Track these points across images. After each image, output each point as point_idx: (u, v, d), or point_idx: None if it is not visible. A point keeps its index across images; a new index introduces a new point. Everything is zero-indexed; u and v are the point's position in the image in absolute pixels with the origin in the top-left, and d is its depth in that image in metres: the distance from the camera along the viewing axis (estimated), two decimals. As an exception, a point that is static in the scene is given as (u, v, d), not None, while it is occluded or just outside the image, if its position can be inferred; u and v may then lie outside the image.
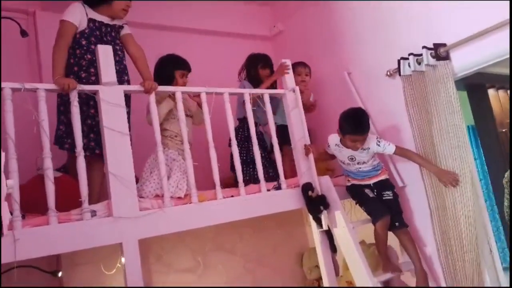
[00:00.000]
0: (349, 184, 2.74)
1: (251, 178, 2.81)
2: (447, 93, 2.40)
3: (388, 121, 2.89)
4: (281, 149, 2.70)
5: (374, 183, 2.66)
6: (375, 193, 2.65)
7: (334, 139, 2.68)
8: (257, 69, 3.13)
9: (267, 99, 2.68)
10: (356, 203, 2.71)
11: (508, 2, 2.14)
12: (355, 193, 2.70)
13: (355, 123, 2.50)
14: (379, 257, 2.65)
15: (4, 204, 1.09)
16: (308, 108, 3.05)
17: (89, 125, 2.27)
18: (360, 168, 2.65)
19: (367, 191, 2.64)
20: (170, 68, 2.64)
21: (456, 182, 2.40)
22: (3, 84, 1.87)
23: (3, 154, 1.14)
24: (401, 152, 2.60)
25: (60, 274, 2.63)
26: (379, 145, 2.56)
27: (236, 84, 3.12)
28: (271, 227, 3.49)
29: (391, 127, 2.87)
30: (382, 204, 2.59)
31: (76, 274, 2.69)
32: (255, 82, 3.07)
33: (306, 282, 3.45)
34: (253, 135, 2.57)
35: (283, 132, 2.85)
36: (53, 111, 2.26)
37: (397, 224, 2.57)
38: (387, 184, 2.67)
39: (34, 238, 1.77)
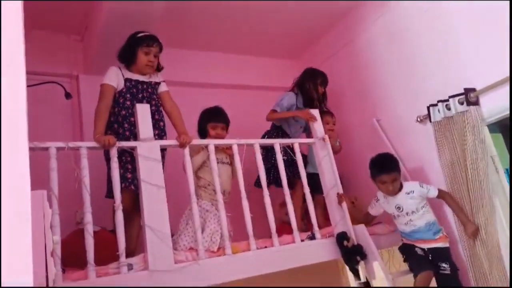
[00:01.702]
0: (401, 243, 2.62)
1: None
2: (478, 138, 2.36)
3: (420, 167, 2.84)
4: (313, 198, 2.69)
5: (429, 249, 2.48)
6: (429, 258, 2.48)
7: (381, 192, 2.65)
8: (316, 84, 3.21)
9: (297, 148, 2.72)
10: (404, 261, 2.59)
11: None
12: (404, 251, 2.58)
13: (379, 163, 2.57)
14: None
15: (50, 260, 1.13)
16: (334, 151, 3.01)
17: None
18: (411, 221, 2.51)
19: (418, 249, 2.50)
20: (204, 122, 2.78)
21: (475, 236, 2.37)
22: (49, 144, 2.00)
23: (49, 211, 1.20)
24: (442, 194, 2.54)
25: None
26: (422, 187, 2.53)
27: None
28: (307, 278, 3.39)
29: (423, 173, 2.82)
30: (428, 262, 2.44)
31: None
32: (307, 97, 3.18)
33: None
34: (285, 186, 2.59)
35: (314, 180, 2.85)
36: (94, 168, 2.36)
37: None
38: (444, 254, 2.46)
39: (73, 293, 1.80)
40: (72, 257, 2.03)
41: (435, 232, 2.50)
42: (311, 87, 3.22)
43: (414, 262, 2.48)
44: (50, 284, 1.17)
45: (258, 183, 2.83)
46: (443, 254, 2.46)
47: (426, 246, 2.50)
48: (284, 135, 3.19)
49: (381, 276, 2.40)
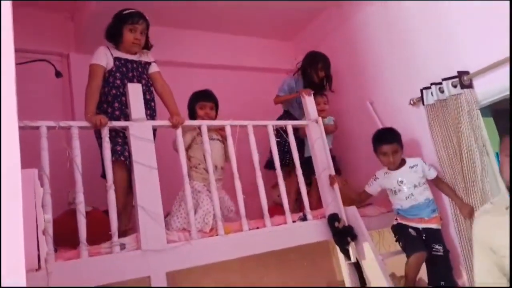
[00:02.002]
0: (395, 223, 2.64)
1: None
2: (471, 121, 2.38)
3: (413, 150, 2.86)
4: (311, 181, 2.71)
5: (423, 229, 2.52)
6: (422, 239, 2.51)
7: (382, 170, 2.70)
8: (316, 68, 3.23)
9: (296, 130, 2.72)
10: (396, 240, 2.62)
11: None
12: (400, 229, 2.59)
13: (381, 134, 2.64)
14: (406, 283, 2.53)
15: (42, 238, 1.13)
16: (328, 131, 3.00)
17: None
18: (412, 195, 2.53)
19: (411, 230, 2.52)
20: (192, 103, 2.78)
21: (471, 216, 2.38)
22: (39, 123, 1.98)
23: (41, 190, 1.20)
24: (438, 180, 2.58)
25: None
26: (425, 163, 2.58)
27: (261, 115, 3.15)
28: (298, 259, 3.44)
29: (416, 156, 2.84)
30: (421, 243, 2.47)
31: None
32: (308, 81, 3.21)
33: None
34: (278, 168, 2.60)
35: (312, 163, 2.84)
36: (85, 148, 2.33)
37: (442, 283, 2.42)
38: (437, 236, 2.51)
39: (66, 272, 1.81)
40: (64, 236, 2.04)
41: (432, 210, 2.54)
42: (312, 71, 3.25)
43: (408, 242, 2.50)
44: (42, 263, 1.17)
45: (270, 165, 2.90)
46: (436, 236, 2.51)
47: (420, 225, 2.53)
48: (293, 118, 3.20)
49: (371, 257, 2.44)
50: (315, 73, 3.24)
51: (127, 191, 2.28)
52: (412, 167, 2.57)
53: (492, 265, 1.37)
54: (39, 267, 1.14)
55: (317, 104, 3.07)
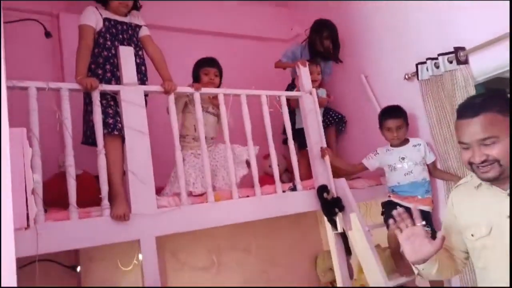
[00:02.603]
0: (387, 199, 2.65)
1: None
2: (464, 97, 2.37)
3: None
4: (301, 152, 2.71)
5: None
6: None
7: (384, 146, 2.72)
8: (321, 37, 3.18)
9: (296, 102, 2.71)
10: (381, 214, 2.65)
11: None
12: (387, 206, 2.61)
13: (387, 109, 2.66)
14: (393, 259, 2.61)
15: (31, 198, 1.13)
16: (321, 103, 2.98)
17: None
18: (412, 172, 2.55)
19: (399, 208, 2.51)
20: (196, 69, 2.76)
21: None
22: (28, 83, 1.94)
23: (29, 150, 1.19)
24: (434, 166, 2.60)
25: (78, 269, 2.69)
26: (427, 145, 2.59)
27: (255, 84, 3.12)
28: (286, 228, 3.51)
29: (409, 132, 2.85)
30: None
31: (93, 269, 2.76)
32: (313, 50, 3.17)
33: (320, 285, 3.45)
34: (270, 138, 2.60)
35: (303, 135, 2.83)
36: (76, 111, 2.31)
37: None
38: (427, 218, 2.47)
39: (55, 233, 1.82)
40: (54, 199, 2.04)
41: (427, 191, 2.56)
42: (317, 39, 3.20)
43: (388, 213, 2.54)
44: (31, 222, 1.18)
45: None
46: (426, 217, 2.48)
47: (412, 205, 2.49)
48: None
49: (357, 227, 2.49)
50: (320, 41, 3.19)
51: (123, 168, 2.16)
52: (415, 146, 2.60)
53: (451, 225, 1.40)
54: (28, 226, 1.15)
55: (310, 73, 3.03)
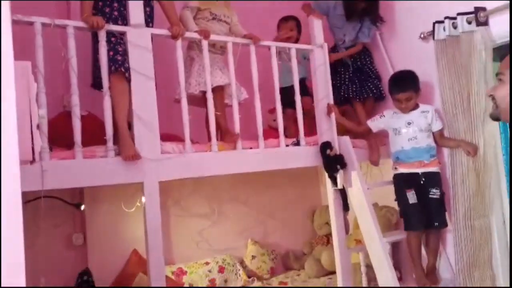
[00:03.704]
0: (397, 172, 2.61)
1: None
2: (482, 61, 2.31)
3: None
4: (283, 112, 2.65)
5: (423, 173, 2.52)
6: (422, 187, 2.50)
7: (391, 109, 2.69)
8: None
9: (293, 53, 2.65)
10: (395, 199, 2.63)
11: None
12: (399, 187, 2.58)
13: (396, 80, 2.60)
14: (414, 268, 2.55)
15: (36, 132, 1.14)
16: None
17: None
18: (416, 138, 2.53)
19: (410, 195, 2.48)
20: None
21: (475, 152, 2.38)
22: (34, 18, 1.89)
23: (35, 84, 1.17)
24: (439, 134, 2.57)
25: (82, 207, 2.77)
26: (435, 113, 2.55)
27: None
28: (287, 182, 3.56)
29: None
30: (421, 212, 2.47)
31: (97, 209, 2.84)
32: (346, 7, 2.94)
33: (315, 238, 3.55)
34: (277, 92, 2.57)
35: (287, 94, 2.69)
36: (84, 52, 2.26)
37: (436, 224, 2.48)
38: (436, 179, 2.53)
39: (60, 170, 1.85)
40: (59, 138, 2.06)
41: (431, 155, 2.55)
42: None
43: (408, 214, 2.51)
44: (36, 157, 1.19)
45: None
46: (434, 179, 2.53)
47: (420, 170, 2.53)
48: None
49: (357, 185, 2.52)
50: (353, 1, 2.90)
51: (128, 107, 2.10)
52: (423, 112, 2.56)
53: None
54: (34, 159, 1.16)
55: (282, 30, 2.96)
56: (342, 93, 2.97)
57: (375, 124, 2.74)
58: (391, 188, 2.64)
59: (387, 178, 2.74)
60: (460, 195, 2.45)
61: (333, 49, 3.07)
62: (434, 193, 2.50)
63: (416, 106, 2.59)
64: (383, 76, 2.99)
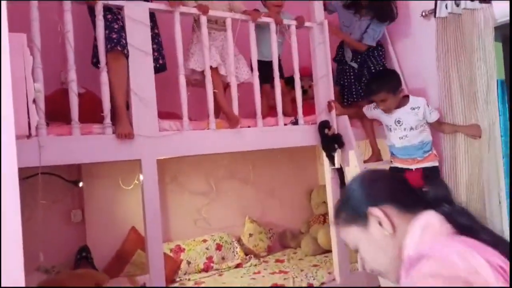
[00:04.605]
0: (392, 165, 2.59)
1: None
2: (483, 39, 2.28)
3: (417, 64, 2.79)
4: (260, 88, 2.53)
5: (417, 169, 2.46)
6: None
7: None
8: None
9: (293, 30, 2.62)
10: None
11: None
12: None
13: (366, 83, 2.55)
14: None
15: (32, 107, 1.12)
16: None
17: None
18: (406, 137, 2.46)
19: None
20: None
21: (480, 134, 2.37)
22: (30, -8, 1.85)
23: (30, 58, 1.15)
24: (437, 123, 2.51)
25: (80, 184, 2.78)
26: (428, 106, 2.46)
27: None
28: (284, 161, 3.57)
29: (419, 71, 2.78)
30: None
31: (95, 186, 2.85)
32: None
33: (312, 216, 3.58)
34: (276, 68, 2.54)
35: (266, 69, 2.58)
36: (83, 28, 2.22)
37: None
38: (433, 174, 2.43)
39: (57, 146, 1.85)
40: (56, 114, 2.04)
41: (425, 151, 2.48)
42: None
43: None
44: (33, 131, 1.19)
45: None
46: (432, 174, 2.44)
47: (413, 166, 2.48)
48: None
49: (354, 164, 2.53)
50: None
51: (126, 86, 2.07)
52: (413, 109, 2.46)
53: None
54: (30, 134, 1.15)
55: None
56: (346, 97, 2.90)
57: (370, 113, 2.69)
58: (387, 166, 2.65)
59: (387, 157, 2.75)
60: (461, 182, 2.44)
61: (340, 47, 2.98)
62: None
63: (404, 102, 2.49)
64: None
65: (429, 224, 0.79)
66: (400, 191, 0.88)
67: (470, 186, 2.42)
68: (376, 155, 2.78)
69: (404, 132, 2.48)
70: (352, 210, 0.89)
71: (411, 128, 2.47)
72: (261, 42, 2.63)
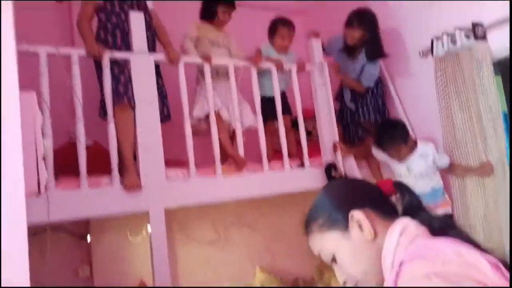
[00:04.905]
0: None
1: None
2: (483, 75, 2.31)
3: (418, 103, 2.81)
4: (264, 125, 2.58)
5: None
6: None
7: None
8: (346, 28, 2.77)
9: (294, 77, 2.67)
10: None
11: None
12: None
13: (379, 135, 2.47)
14: None
15: (42, 164, 1.13)
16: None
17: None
18: (417, 183, 2.36)
19: None
20: (214, 3, 2.64)
21: (492, 171, 2.30)
22: (39, 49, 1.92)
23: (40, 115, 1.18)
24: (450, 168, 2.42)
25: (88, 238, 2.73)
26: (437, 152, 2.41)
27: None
28: (292, 204, 3.50)
29: (420, 110, 2.79)
30: None
31: (103, 240, 2.79)
32: (345, 42, 2.84)
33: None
34: (279, 113, 2.57)
35: (269, 105, 2.63)
36: (90, 80, 2.28)
37: None
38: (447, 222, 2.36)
39: (65, 201, 1.84)
40: (64, 167, 2.05)
41: (437, 198, 2.41)
42: (345, 31, 2.79)
43: None
44: (42, 188, 1.18)
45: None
46: (446, 221, 2.37)
47: None
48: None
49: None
50: (344, 34, 2.81)
51: (133, 137, 2.11)
52: (422, 156, 2.41)
53: None
54: (39, 191, 1.15)
55: (282, 37, 2.80)
56: (348, 137, 2.92)
57: (379, 156, 2.63)
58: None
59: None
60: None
61: (341, 86, 3.00)
62: None
63: (413, 149, 2.44)
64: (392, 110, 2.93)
65: (408, 228, 0.78)
66: (378, 198, 0.87)
67: (486, 222, 2.35)
68: None
69: (414, 179, 2.40)
70: (329, 215, 0.86)
71: (422, 175, 2.40)
72: (265, 78, 2.69)
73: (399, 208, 0.85)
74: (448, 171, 2.47)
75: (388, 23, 2.98)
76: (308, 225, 0.91)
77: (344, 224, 0.83)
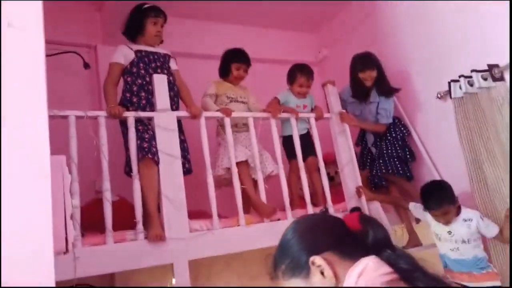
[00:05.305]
0: (449, 281, 2.25)
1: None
2: (503, 115, 2.29)
3: (439, 145, 2.79)
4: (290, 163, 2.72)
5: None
6: None
7: None
8: (355, 73, 2.83)
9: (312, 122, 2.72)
10: None
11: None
12: None
13: (426, 196, 2.32)
14: None
15: (70, 223, 1.17)
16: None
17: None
18: (458, 249, 2.25)
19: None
20: (228, 61, 2.79)
21: None
22: (68, 113, 2.04)
23: (69, 176, 1.24)
24: (500, 236, 2.23)
25: (113, 294, 2.72)
26: (482, 220, 2.24)
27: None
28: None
29: (442, 151, 2.76)
30: None
31: (128, 293, 2.78)
32: (353, 88, 2.91)
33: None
34: (300, 159, 2.59)
35: (291, 143, 2.67)
36: (114, 141, 2.39)
37: None
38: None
39: (92, 257, 1.88)
40: (91, 224, 2.10)
41: (482, 268, 2.25)
42: (352, 78, 2.88)
43: None
44: (70, 247, 1.22)
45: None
46: None
47: (473, 284, 2.21)
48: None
49: (392, 251, 2.40)
50: (354, 79, 2.86)
51: (158, 190, 2.17)
52: (466, 221, 2.25)
53: None
54: (67, 250, 1.18)
55: (299, 85, 2.85)
56: (371, 181, 2.90)
57: (416, 212, 2.51)
58: (428, 252, 2.50)
59: (424, 240, 2.62)
60: None
61: (362, 130, 3.05)
62: None
63: (457, 212, 2.28)
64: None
65: (366, 269, 0.74)
66: (340, 237, 0.83)
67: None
68: (414, 240, 2.66)
69: (455, 244, 2.27)
70: (291, 261, 0.83)
71: (463, 241, 2.25)
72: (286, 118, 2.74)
73: (367, 244, 0.82)
74: (499, 239, 2.28)
75: (404, 66, 3.04)
76: (274, 270, 0.89)
77: (306, 270, 0.81)
